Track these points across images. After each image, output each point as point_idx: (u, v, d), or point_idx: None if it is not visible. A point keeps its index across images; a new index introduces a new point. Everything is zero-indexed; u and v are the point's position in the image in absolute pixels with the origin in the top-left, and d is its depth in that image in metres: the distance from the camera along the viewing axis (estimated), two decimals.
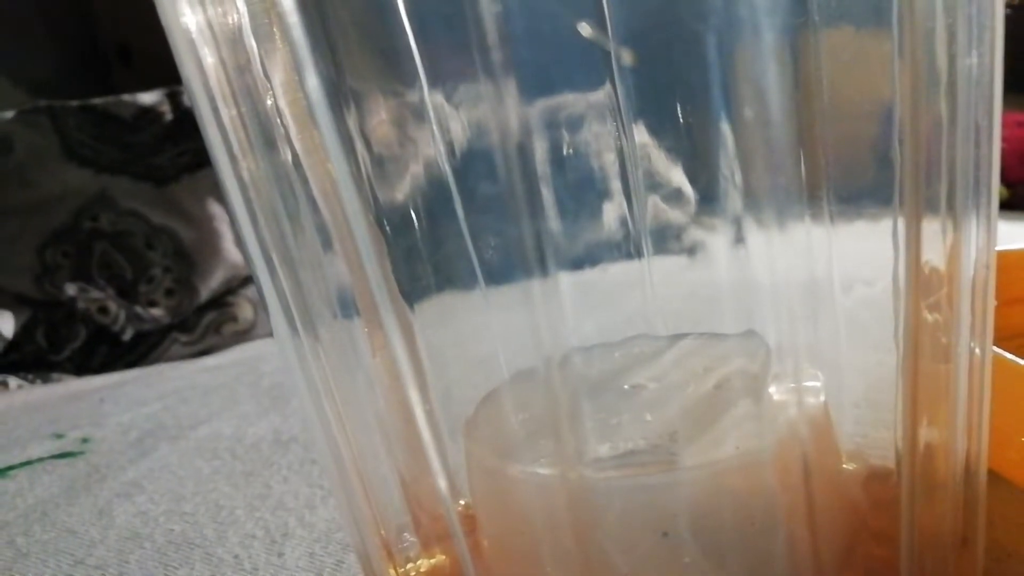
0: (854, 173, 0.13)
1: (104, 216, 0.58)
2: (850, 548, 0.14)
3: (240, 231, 0.13)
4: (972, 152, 0.11)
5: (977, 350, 0.12)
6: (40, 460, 0.34)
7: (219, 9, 0.11)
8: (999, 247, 0.23)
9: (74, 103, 0.58)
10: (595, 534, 0.13)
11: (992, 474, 0.16)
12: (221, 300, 0.60)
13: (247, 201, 0.12)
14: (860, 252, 0.14)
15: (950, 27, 0.11)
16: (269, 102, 0.12)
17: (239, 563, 0.25)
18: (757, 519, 0.13)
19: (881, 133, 0.12)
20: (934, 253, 0.12)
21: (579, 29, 0.10)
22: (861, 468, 0.15)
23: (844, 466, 0.15)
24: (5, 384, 0.50)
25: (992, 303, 0.12)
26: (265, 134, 0.12)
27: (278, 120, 0.12)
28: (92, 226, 0.58)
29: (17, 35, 0.80)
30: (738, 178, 0.13)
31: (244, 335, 0.59)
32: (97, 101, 0.59)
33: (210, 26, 0.11)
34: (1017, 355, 0.17)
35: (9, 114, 0.57)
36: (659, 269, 0.16)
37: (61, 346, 0.55)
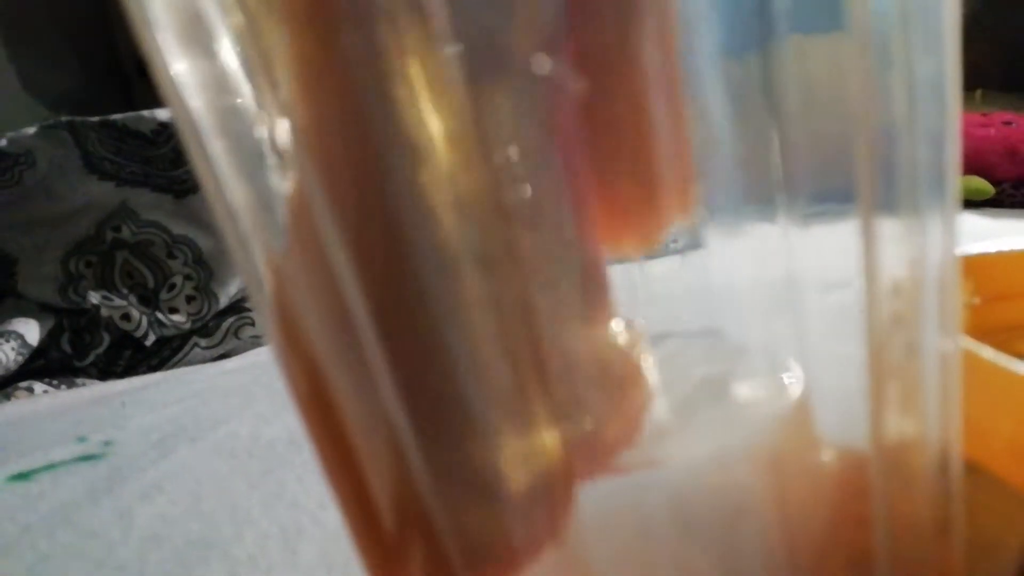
0: (823, 175, 0.13)
1: (126, 227, 0.60)
2: (831, 537, 0.15)
3: (232, 254, 0.13)
4: (931, 154, 0.12)
5: (945, 346, 0.13)
6: (63, 463, 0.35)
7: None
8: (987, 247, 0.24)
9: (95, 119, 0.60)
10: (574, 533, 0.13)
11: (977, 466, 0.16)
12: (240, 305, 0.61)
13: (235, 228, 0.12)
14: (837, 251, 0.14)
15: (906, 32, 0.11)
16: (257, 133, 0.12)
17: (254, 562, 0.26)
18: (737, 515, 0.14)
19: (844, 136, 0.12)
20: (895, 253, 0.12)
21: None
22: (841, 459, 0.15)
23: (823, 458, 0.15)
24: (30, 390, 0.51)
25: (958, 301, 0.13)
26: (253, 162, 0.12)
27: (270, 149, 0.12)
28: (114, 237, 0.60)
29: (39, 51, 0.82)
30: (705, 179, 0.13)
31: (262, 338, 0.60)
32: (117, 117, 0.60)
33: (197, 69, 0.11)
34: (999, 350, 0.17)
35: (31, 129, 0.59)
36: (646, 269, 0.17)
37: (85, 352, 0.56)
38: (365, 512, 0.12)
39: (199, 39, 0.10)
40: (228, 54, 0.11)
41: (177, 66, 0.10)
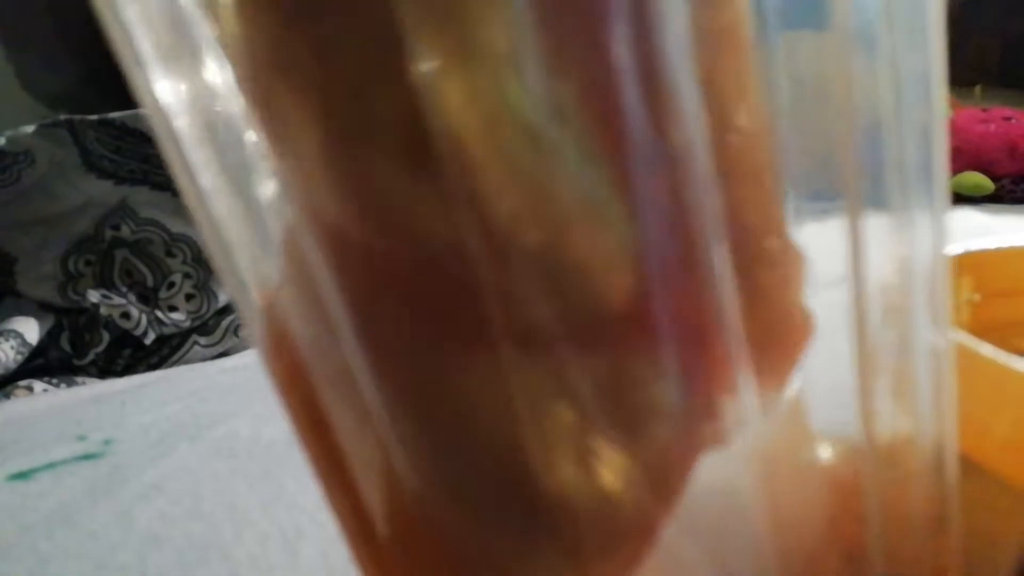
0: (812, 173, 0.13)
1: (125, 225, 0.60)
2: (826, 534, 0.15)
3: (215, 263, 0.13)
4: (919, 150, 0.12)
5: (937, 342, 0.13)
6: (63, 462, 0.35)
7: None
8: (986, 243, 0.24)
9: (93, 117, 0.60)
10: None
11: (975, 463, 0.16)
12: None
13: (219, 237, 0.12)
14: (827, 249, 0.14)
15: (891, 27, 0.11)
16: (246, 137, 0.12)
17: (255, 563, 0.26)
18: (730, 512, 0.14)
19: (832, 133, 0.12)
20: (884, 250, 0.12)
21: None
22: (835, 456, 0.15)
23: (818, 455, 0.15)
24: (30, 388, 0.51)
25: (949, 297, 0.13)
26: (240, 172, 0.12)
27: (255, 157, 0.12)
28: (113, 235, 0.60)
29: (37, 51, 0.82)
30: None
31: None
32: (115, 115, 0.60)
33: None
34: (999, 346, 0.17)
35: (30, 128, 0.59)
36: None
37: (85, 351, 0.56)
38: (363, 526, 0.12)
39: (182, 47, 0.10)
40: (213, 63, 0.11)
41: (160, 81, 0.10)
